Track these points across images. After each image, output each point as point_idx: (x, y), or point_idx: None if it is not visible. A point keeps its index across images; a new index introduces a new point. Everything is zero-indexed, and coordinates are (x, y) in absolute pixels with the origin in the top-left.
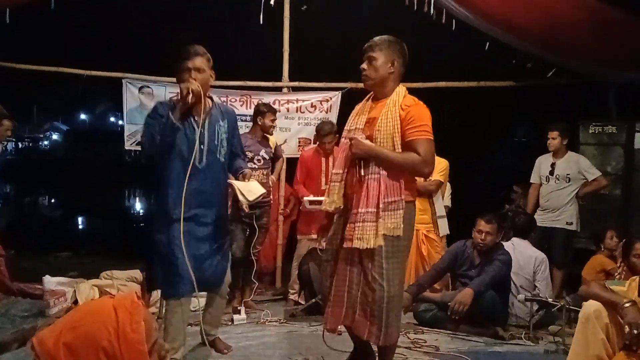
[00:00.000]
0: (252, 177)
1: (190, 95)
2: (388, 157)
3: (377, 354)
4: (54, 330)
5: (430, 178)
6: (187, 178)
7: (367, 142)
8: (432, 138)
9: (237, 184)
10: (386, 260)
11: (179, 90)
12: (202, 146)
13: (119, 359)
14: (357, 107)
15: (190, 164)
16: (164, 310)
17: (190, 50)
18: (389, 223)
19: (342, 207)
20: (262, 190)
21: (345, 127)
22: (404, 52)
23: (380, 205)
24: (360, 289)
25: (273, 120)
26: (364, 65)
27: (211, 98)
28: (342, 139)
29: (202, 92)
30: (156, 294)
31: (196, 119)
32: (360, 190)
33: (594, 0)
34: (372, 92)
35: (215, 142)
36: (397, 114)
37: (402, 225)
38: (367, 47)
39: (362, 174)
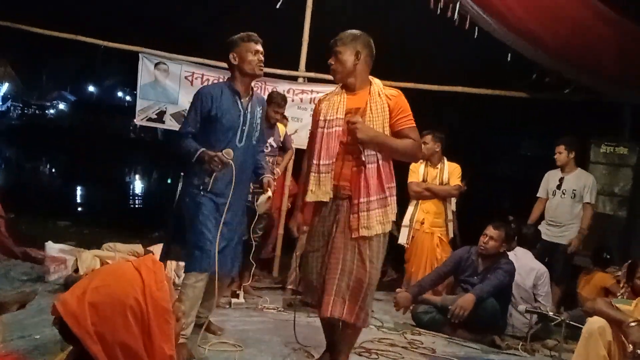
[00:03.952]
0: (269, 188)
1: (221, 166)
2: (393, 144)
3: (343, 338)
4: (75, 293)
5: (449, 183)
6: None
7: (373, 128)
8: None
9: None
10: (383, 245)
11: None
12: (244, 127)
13: (145, 317)
14: (329, 98)
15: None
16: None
17: (256, 36)
18: (391, 209)
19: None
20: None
21: (320, 118)
22: (369, 44)
23: (386, 193)
24: (355, 277)
25: (276, 112)
26: (331, 60)
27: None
28: (321, 129)
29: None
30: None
31: (242, 100)
32: (357, 179)
33: (620, 17)
34: (341, 85)
35: (254, 125)
36: (385, 103)
37: (396, 211)
38: (332, 42)
39: (363, 160)
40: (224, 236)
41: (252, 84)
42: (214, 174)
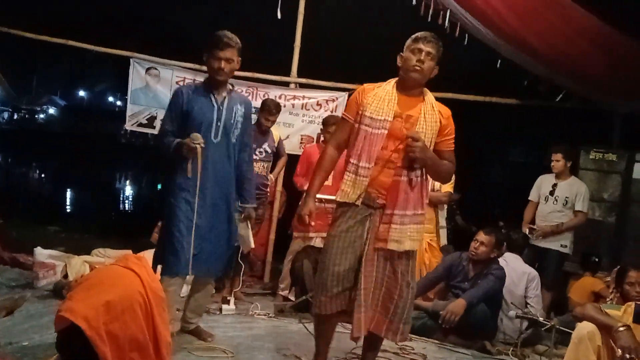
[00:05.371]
0: (249, 219)
1: (189, 150)
2: (438, 166)
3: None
4: (77, 298)
5: (440, 189)
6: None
7: (430, 149)
8: None
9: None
10: (415, 260)
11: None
12: (218, 123)
13: (149, 307)
14: (379, 92)
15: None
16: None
17: (224, 41)
18: (421, 226)
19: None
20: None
21: (366, 113)
22: None
23: (424, 209)
24: (385, 288)
25: (267, 119)
26: (424, 57)
27: (232, 85)
28: (365, 127)
29: (200, 151)
30: None
31: (216, 96)
32: (396, 189)
33: (611, 28)
34: (395, 80)
35: (232, 121)
36: (437, 119)
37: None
38: (428, 39)
39: (410, 173)
40: (200, 236)
41: (245, 88)
42: (189, 161)
